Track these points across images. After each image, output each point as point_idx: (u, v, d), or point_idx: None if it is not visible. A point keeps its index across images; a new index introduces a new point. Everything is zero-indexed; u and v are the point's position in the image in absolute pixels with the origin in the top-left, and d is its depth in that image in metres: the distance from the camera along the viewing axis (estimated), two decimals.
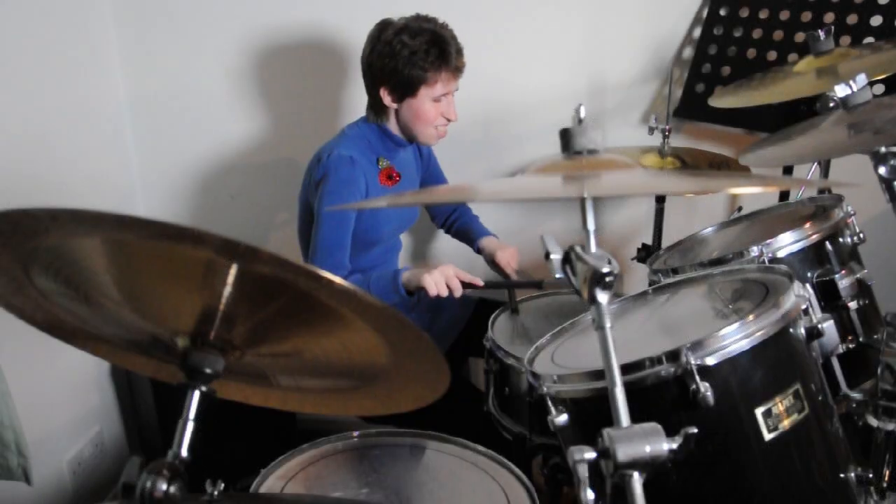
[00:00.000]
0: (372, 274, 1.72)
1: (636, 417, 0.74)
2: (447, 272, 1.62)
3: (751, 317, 0.99)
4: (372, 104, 1.78)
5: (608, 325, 0.76)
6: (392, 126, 1.78)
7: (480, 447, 1.30)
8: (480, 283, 1.66)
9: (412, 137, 1.79)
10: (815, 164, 1.86)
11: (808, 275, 1.30)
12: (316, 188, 1.73)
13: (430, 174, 2.03)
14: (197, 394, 0.81)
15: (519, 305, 1.79)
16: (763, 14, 1.93)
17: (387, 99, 1.71)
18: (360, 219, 1.74)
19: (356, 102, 2.13)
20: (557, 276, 0.80)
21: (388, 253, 1.94)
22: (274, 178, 2.32)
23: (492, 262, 1.92)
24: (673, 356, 0.95)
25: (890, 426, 1.08)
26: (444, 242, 2.33)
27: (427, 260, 2.37)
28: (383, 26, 1.69)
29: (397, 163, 1.84)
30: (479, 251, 1.99)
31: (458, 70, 1.70)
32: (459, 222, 2.08)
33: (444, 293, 1.62)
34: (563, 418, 1.04)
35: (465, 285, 1.65)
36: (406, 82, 1.67)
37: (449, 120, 1.75)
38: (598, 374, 0.99)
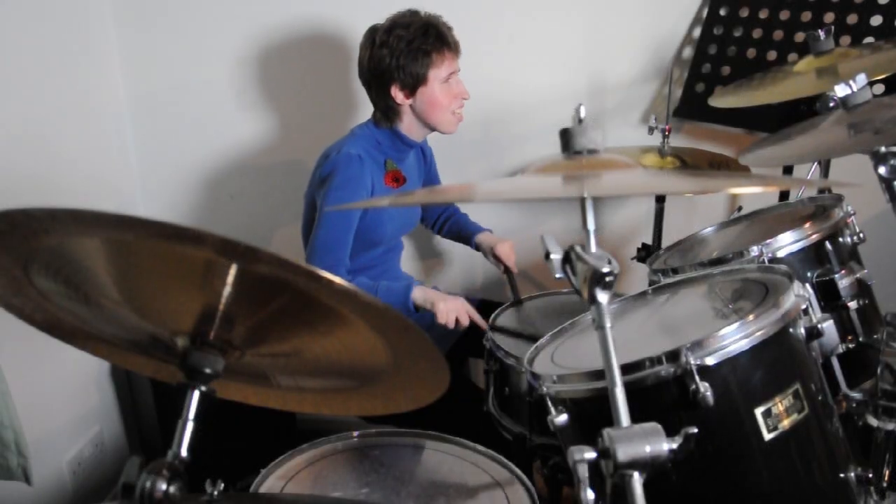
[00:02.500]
0: (381, 282, 1.73)
1: (636, 417, 0.74)
2: (460, 308, 1.66)
3: (751, 317, 0.99)
4: (383, 109, 1.76)
5: (608, 325, 0.76)
6: (404, 127, 1.77)
7: (480, 447, 1.30)
8: (486, 327, 1.66)
9: (432, 128, 1.78)
10: (815, 164, 1.86)
11: (808, 275, 1.30)
12: (321, 184, 1.73)
13: (430, 175, 2.04)
14: (197, 394, 0.81)
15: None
16: (763, 14, 1.92)
17: (399, 97, 1.71)
18: (362, 218, 1.74)
19: (359, 102, 2.13)
20: (557, 275, 0.80)
21: (390, 253, 1.94)
22: (273, 178, 2.32)
23: (491, 256, 1.95)
24: (673, 356, 0.95)
25: (890, 426, 1.08)
26: (444, 245, 2.33)
27: (427, 261, 2.37)
28: (372, 31, 1.71)
29: (404, 166, 1.84)
30: (476, 248, 2.00)
31: (456, 47, 1.72)
32: (451, 222, 2.09)
33: (451, 326, 1.65)
34: (563, 418, 1.04)
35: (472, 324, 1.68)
36: (414, 72, 1.68)
37: (464, 99, 1.76)
38: (598, 374, 0.99)
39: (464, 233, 2.05)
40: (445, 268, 2.38)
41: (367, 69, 1.72)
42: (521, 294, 1.82)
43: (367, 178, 1.71)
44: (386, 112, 1.76)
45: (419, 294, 1.67)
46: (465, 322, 1.67)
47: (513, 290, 1.86)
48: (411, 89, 1.70)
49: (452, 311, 1.65)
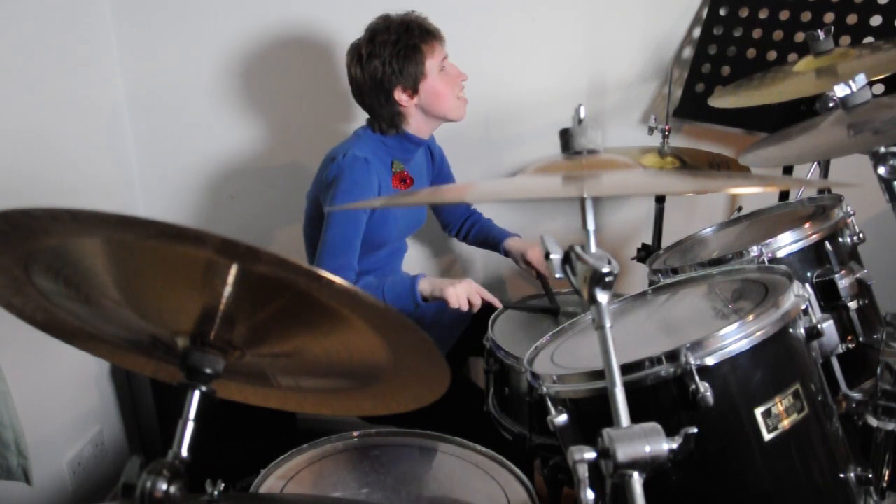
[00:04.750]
0: (387, 279, 1.71)
1: (636, 417, 0.74)
2: (470, 288, 1.64)
3: (750, 317, 0.99)
4: (389, 117, 1.74)
5: (608, 325, 0.76)
6: (412, 128, 1.77)
7: (480, 447, 1.30)
8: (499, 304, 1.66)
9: (442, 119, 1.78)
10: (815, 164, 1.86)
11: (808, 275, 1.30)
12: (328, 187, 1.72)
13: (441, 176, 2.02)
14: (197, 394, 0.81)
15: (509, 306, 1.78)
16: (763, 14, 1.92)
17: (404, 99, 1.70)
18: (368, 220, 1.73)
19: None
20: (557, 275, 0.80)
21: (393, 255, 1.93)
22: (274, 178, 2.32)
23: (522, 262, 1.91)
24: (673, 356, 0.95)
25: (890, 426, 1.08)
26: (445, 245, 2.33)
27: (427, 261, 2.37)
28: (355, 47, 1.70)
29: (411, 167, 1.83)
30: (506, 253, 1.97)
31: (438, 33, 1.72)
32: (476, 228, 2.06)
33: (465, 308, 1.63)
34: (562, 418, 1.04)
35: (485, 303, 1.66)
36: (411, 70, 1.67)
37: (463, 81, 1.76)
38: (598, 374, 0.99)
39: (491, 239, 2.01)
40: (446, 268, 2.38)
41: (365, 84, 1.70)
42: (558, 304, 1.75)
43: (374, 180, 1.70)
44: (393, 119, 1.74)
45: (426, 285, 1.64)
46: (476, 303, 1.64)
47: (549, 297, 1.78)
48: (413, 88, 1.70)
49: (463, 293, 1.62)
